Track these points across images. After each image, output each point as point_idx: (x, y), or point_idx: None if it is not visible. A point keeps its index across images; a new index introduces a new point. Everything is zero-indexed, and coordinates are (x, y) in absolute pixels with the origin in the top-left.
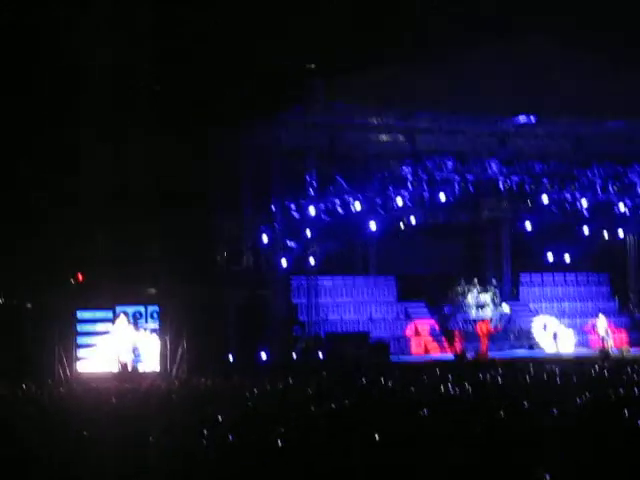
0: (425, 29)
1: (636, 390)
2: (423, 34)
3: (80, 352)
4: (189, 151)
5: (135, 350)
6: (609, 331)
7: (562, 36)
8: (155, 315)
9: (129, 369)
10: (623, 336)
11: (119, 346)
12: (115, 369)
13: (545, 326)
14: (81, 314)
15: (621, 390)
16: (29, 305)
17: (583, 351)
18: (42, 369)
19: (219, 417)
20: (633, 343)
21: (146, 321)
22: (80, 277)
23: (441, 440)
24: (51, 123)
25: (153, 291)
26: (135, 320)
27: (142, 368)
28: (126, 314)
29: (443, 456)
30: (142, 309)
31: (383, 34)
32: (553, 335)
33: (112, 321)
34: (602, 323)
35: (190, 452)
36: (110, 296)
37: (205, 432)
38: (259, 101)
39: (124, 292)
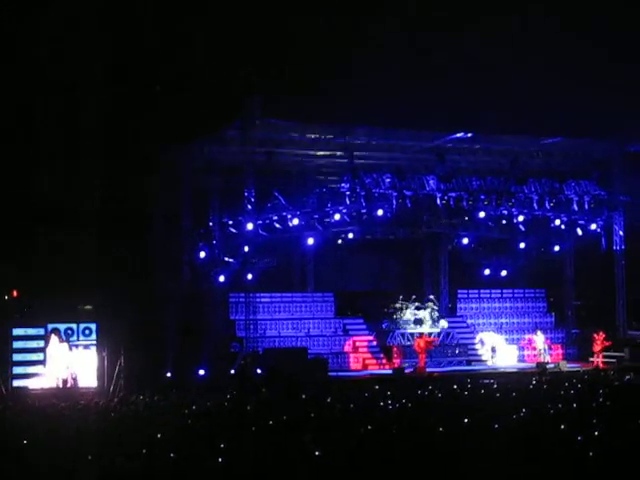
0: (363, 45)
1: (574, 405)
2: (361, 50)
3: (16, 369)
4: (127, 167)
5: (70, 367)
6: (546, 346)
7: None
8: (87, 332)
9: (68, 386)
10: (560, 351)
11: (54, 363)
12: (52, 386)
13: (482, 341)
14: (16, 331)
15: (559, 405)
16: None
17: (521, 366)
18: None
19: (158, 435)
20: (569, 358)
21: (77, 338)
22: (15, 294)
23: (382, 456)
24: None
25: (89, 307)
26: (67, 337)
27: (79, 384)
28: (57, 331)
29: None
30: (74, 326)
31: (320, 50)
32: (491, 349)
33: (44, 338)
34: (540, 338)
35: (129, 471)
36: (46, 313)
37: (144, 451)
38: (197, 118)
39: (60, 309)
